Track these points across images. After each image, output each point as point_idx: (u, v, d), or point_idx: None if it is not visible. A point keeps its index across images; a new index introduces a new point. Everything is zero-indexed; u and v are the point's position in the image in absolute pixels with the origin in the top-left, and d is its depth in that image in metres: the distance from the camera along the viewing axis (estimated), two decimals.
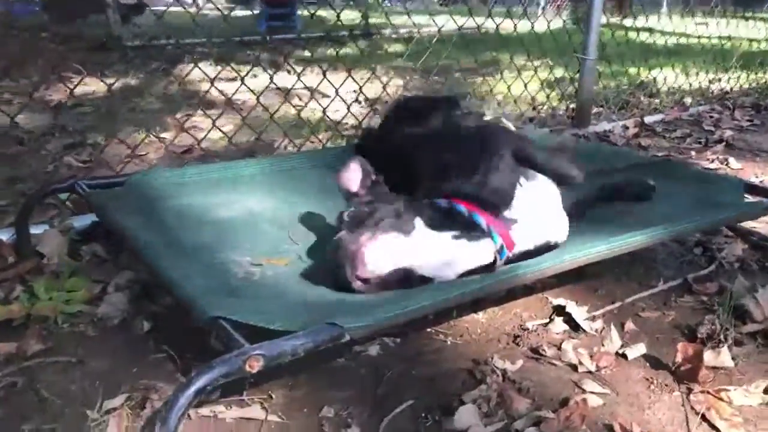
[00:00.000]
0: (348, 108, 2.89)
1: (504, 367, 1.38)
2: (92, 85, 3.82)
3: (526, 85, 3.32)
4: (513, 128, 2.21)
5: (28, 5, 8.08)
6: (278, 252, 1.51)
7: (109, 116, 3.55)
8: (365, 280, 1.25)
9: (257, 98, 2.54)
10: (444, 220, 1.36)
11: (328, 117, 2.91)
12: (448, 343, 1.48)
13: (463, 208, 1.39)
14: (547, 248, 1.48)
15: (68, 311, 1.53)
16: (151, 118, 3.48)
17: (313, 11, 6.63)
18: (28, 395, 1.27)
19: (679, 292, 1.73)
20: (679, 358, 1.39)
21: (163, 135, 2.97)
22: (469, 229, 1.36)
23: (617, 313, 1.64)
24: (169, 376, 1.32)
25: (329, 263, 1.30)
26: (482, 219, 1.37)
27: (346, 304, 1.21)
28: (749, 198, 1.90)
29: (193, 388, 0.93)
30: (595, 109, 3.64)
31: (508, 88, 3.43)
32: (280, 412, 1.24)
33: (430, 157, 1.61)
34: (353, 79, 2.85)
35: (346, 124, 3.18)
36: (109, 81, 2.73)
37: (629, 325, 1.56)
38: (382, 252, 1.26)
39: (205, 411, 1.22)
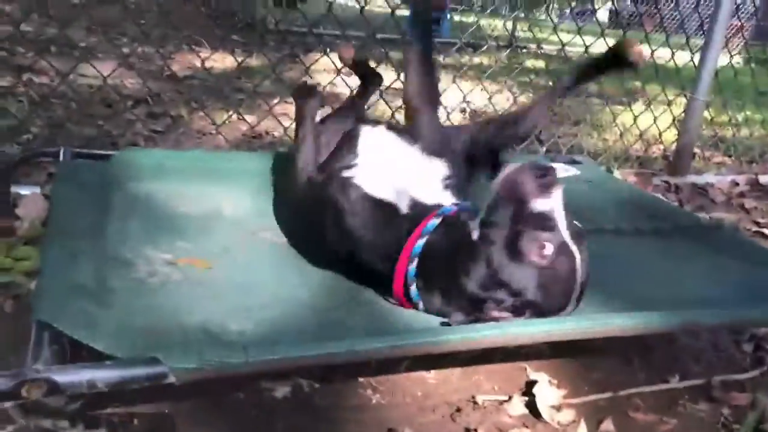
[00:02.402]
0: (447, 116, 2.64)
1: None
2: (218, 61, 3.82)
3: (655, 120, 2.92)
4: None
5: None
6: (210, 254, 1.34)
7: (210, 92, 3.51)
8: None
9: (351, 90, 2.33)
10: None
11: None
12: (373, 401, 1.25)
13: None
14: None
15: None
16: (249, 99, 3.42)
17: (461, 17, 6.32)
18: None
19: (695, 396, 1.38)
20: None
21: (247, 117, 2.90)
22: None
23: (603, 405, 1.32)
24: None
25: None
26: None
27: (214, 336, 1.02)
28: None
29: None
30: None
31: (635, 119, 2.94)
32: None
33: None
34: (459, 87, 2.65)
35: None
36: (234, 59, 2.67)
37: (607, 425, 1.25)
38: None
39: (47, 423, 1.08)
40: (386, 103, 2.53)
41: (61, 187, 1.48)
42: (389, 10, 2.53)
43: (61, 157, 1.66)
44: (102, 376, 0.85)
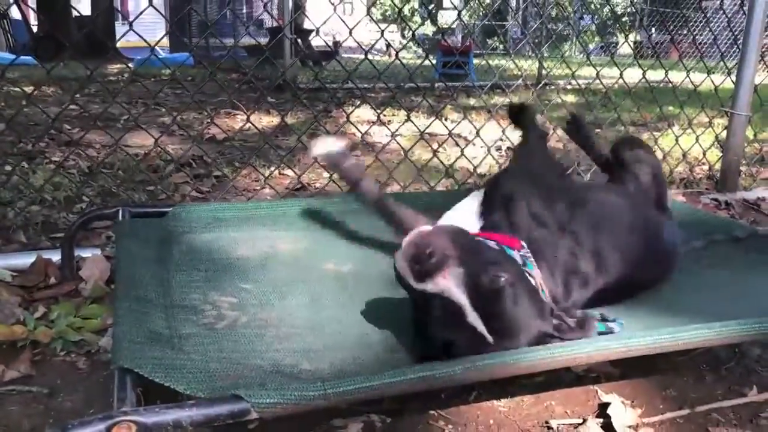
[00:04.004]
0: (488, 151, 2.75)
1: None
2: (255, 122, 3.92)
3: (697, 138, 2.92)
4: None
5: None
6: (274, 291, 1.36)
7: (251, 151, 3.61)
8: None
9: (392, 135, 2.48)
10: None
11: (465, 156, 2.73)
12: None
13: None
14: None
15: (70, 338, 1.49)
16: (289, 155, 3.49)
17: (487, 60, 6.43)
18: None
19: None
20: None
21: (289, 171, 2.96)
22: None
23: (681, 422, 1.29)
24: None
25: None
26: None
27: (290, 374, 1.03)
28: None
29: None
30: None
31: (676, 140, 2.96)
32: None
33: None
34: (499, 124, 2.70)
35: (475, 173, 2.97)
36: (270, 119, 2.77)
37: None
38: None
39: None
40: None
41: (123, 244, 1.53)
42: (414, 61, 2.64)
43: (120, 217, 1.72)
44: (187, 415, 0.87)
